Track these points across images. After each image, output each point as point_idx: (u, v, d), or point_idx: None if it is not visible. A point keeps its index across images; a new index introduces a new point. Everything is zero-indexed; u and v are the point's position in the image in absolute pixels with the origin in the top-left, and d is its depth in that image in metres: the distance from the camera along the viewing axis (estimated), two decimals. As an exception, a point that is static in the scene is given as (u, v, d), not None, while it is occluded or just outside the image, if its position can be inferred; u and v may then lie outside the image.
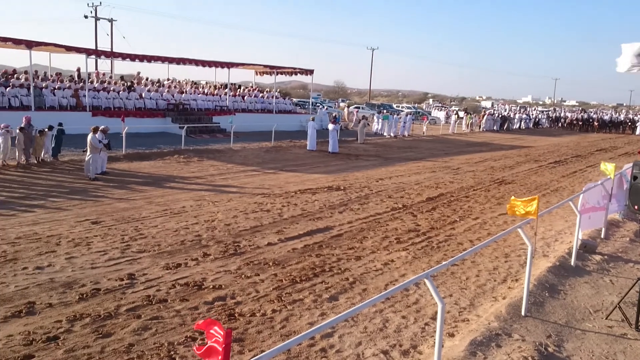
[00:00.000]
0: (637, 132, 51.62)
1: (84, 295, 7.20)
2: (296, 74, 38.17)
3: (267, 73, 37.75)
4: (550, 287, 8.06)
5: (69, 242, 9.45)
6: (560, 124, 59.83)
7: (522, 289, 7.48)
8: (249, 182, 16.42)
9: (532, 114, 64.66)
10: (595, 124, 56.23)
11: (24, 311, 6.61)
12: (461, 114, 55.14)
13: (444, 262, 5.64)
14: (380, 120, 37.34)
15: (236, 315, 6.84)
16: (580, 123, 58.09)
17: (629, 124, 56.35)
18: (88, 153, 15.55)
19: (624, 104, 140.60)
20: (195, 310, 6.93)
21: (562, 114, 64.76)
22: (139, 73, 33.73)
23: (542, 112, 72.42)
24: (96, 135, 15.60)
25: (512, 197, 7.19)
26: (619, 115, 66.30)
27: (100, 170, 15.93)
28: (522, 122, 55.87)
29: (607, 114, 66.23)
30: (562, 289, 8.05)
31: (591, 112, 68.46)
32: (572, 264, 9.16)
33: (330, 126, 25.63)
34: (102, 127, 16.47)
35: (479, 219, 12.99)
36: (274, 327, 6.58)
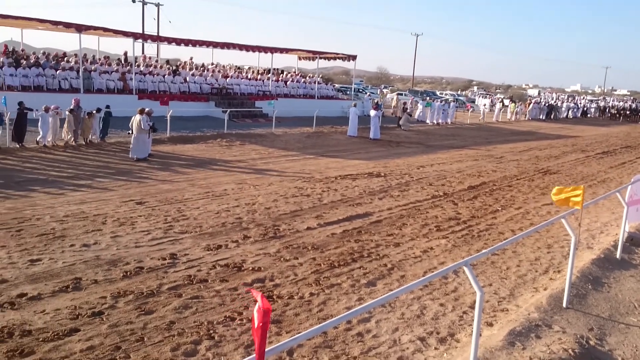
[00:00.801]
0: None
1: (128, 273, 7.41)
2: (339, 60, 37.96)
3: (309, 58, 37.69)
4: (594, 279, 7.88)
5: (114, 222, 9.72)
6: (607, 114, 57.67)
7: (564, 281, 7.34)
8: (290, 166, 16.52)
9: (580, 103, 62.72)
10: None
11: (70, 286, 6.85)
12: (506, 102, 53.99)
13: (484, 250, 5.57)
14: (423, 107, 36.90)
15: (274, 297, 6.93)
16: (628, 113, 55.93)
17: None
18: (134, 134, 15.90)
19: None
20: (235, 291, 7.04)
21: (610, 104, 62.23)
22: (191, 58, 34.15)
23: (591, 101, 70.27)
24: (144, 116, 15.96)
25: (557, 187, 7.03)
26: None
27: (147, 153, 16.25)
28: (570, 111, 54.36)
29: None
30: (607, 282, 7.86)
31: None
32: (618, 256, 8.93)
33: (372, 112, 25.47)
34: (147, 109, 16.79)
35: (521, 209, 12.76)
36: (311, 310, 6.64)
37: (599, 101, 68.65)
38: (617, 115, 55.83)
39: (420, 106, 37.31)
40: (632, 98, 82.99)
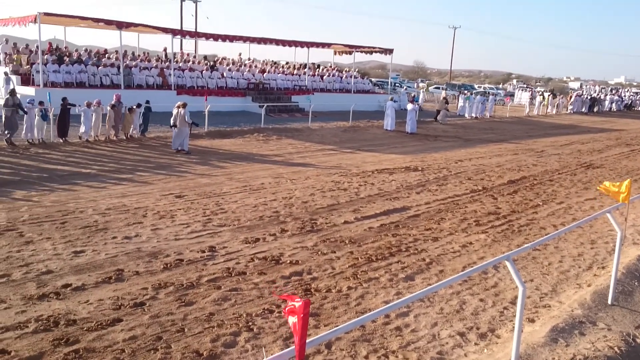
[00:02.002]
0: None
1: (168, 265, 7.52)
2: (375, 54, 37.74)
3: (346, 52, 37.62)
4: (640, 276, 7.65)
5: (154, 215, 9.88)
6: None
7: (609, 277, 7.15)
8: (326, 160, 16.52)
9: (624, 95, 60.79)
10: None
11: (113, 278, 7.00)
12: (546, 95, 52.82)
13: (525, 245, 5.46)
14: (464, 101, 36.34)
15: (312, 290, 6.94)
16: None
17: None
18: (178, 126, 16.25)
19: None
20: (273, 283, 7.08)
21: None
22: (240, 54, 34.47)
23: (637, 93, 68.07)
24: (187, 110, 16.29)
25: (604, 183, 6.84)
26: None
27: (187, 146, 16.52)
28: (614, 104, 52.86)
29: None
30: (654, 279, 7.62)
31: None
32: (666, 253, 8.65)
33: (409, 106, 25.22)
34: (181, 103, 17.03)
35: (563, 204, 12.47)
36: (349, 303, 6.63)
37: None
38: None
39: (461, 100, 36.60)
40: None
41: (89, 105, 16.83)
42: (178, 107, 16.44)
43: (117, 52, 27.61)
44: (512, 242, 9.47)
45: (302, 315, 2.90)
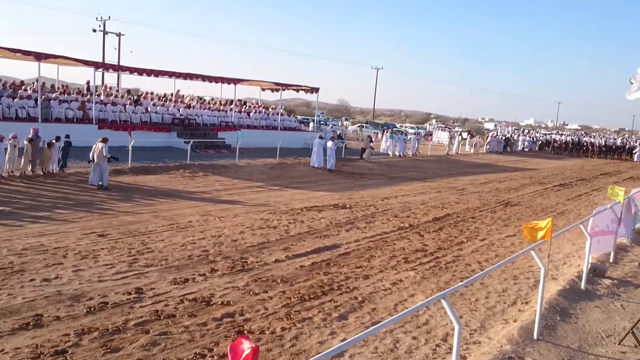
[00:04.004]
0: (636, 159, 50.19)
1: (92, 308, 7.13)
2: (302, 92, 38.29)
3: (273, 89, 37.90)
4: (562, 310, 7.99)
5: (75, 255, 9.40)
6: (550, 148, 57.88)
7: (533, 312, 7.42)
8: (255, 198, 16.39)
9: (536, 137, 64.08)
10: (590, 148, 54.74)
11: (31, 324, 6.55)
12: (465, 135, 55.19)
13: (460, 283, 5.58)
14: (388, 139, 37.21)
15: (245, 332, 6.77)
16: (571, 147, 56.01)
17: (627, 150, 53.91)
18: (95, 160, 15.83)
19: (626, 129, 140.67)
20: (204, 326, 6.85)
21: (552, 137, 62.61)
22: (178, 91, 33.84)
23: (546, 134, 72.07)
24: (105, 145, 15.87)
25: (526, 224, 7.14)
26: (616, 140, 64.36)
27: (106, 181, 15.99)
28: (526, 144, 55.85)
29: (604, 139, 64.60)
30: (574, 313, 7.98)
31: (583, 137, 66.02)
32: (583, 287, 9.09)
33: (330, 143, 25.43)
34: (102, 138, 16.58)
35: (486, 240, 12.93)
36: (283, 345, 6.50)
37: (549, 135, 69.65)
38: (562, 149, 56.29)
39: (389, 140, 37.15)
40: (567, 132, 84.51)
41: (1, 139, 15.96)
42: (101, 141, 15.98)
43: (34, 83, 26.52)
44: (440, 278, 9.67)
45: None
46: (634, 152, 51.78)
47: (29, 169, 16.71)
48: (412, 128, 66.05)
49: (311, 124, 42.54)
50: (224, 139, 30.40)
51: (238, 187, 18.17)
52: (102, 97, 28.93)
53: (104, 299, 7.51)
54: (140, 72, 30.03)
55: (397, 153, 35.59)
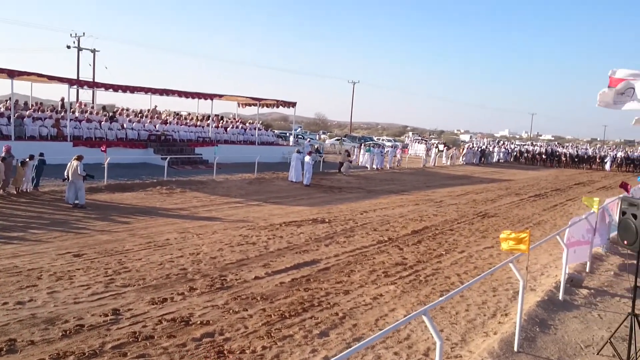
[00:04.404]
0: (607, 168, 51.18)
1: (68, 331, 6.98)
2: (279, 106, 38.34)
3: (250, 104, 37.86)
4: (541, 322, 8.04)
5: (50, 276, 9.21)
6: (523, 159, 57.98)
7: (512, 324, 7.46)
8: (233, 214, 16.28)
9: (511, 148, 64.91)
10: (563, 158, 55.47)
11: (4, 349, 6.38)
12: (441, 147, 55.72)
13: (440, 298, 5.59)
14: (366, 153, 37.35)
15: (225, 352, 6.68)
16: (544, 157, 56.49)
17: (598, 160, 54.41)
18: (70, 178, 15.66)
19: (598, 139, 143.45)
20: (183, 347, 6.75)
21: (524, 148, 63.32)
22: (155, 107, 33.53)
23: (520, 145, 73.05)
24: (80, 163, 15.70)
25: (503, 233, 7.19)
26: (588, 150, 65.51)
27: (83, 200, 15.77)
28: (501, 155, 56.55)
29: (576, 149, 65.73)
30: (552, 324, 8.04)
31: (556, 147, 67.02)
32: (560, 298, 9.18)
33: (307, 158, 25.41)
34: (77, 156, 16.42)
35: (464, 252, 13.00)
36: (264, 364, 6.43)
37: (524, 146, 70.50)
38: (535, 160, 56.89)
39: (366, 155, 37.20)
40: (539, 143, 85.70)
41: (-26, 158, 15.68)
42: (76, 159, 15.81)
43: (7, 101, 26.13)
44: (420, 292, 9.68)
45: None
46: (605, 161, 52.82)
47: (1, 188, 16.39)
48: (389, 141, 66.42)
49: (291, 138, 42.52)
50: (201, 154, 30.21)
51: (216, 203, 18.04)
52: (77, 114, 28.60)
53: (79, 321, 7.35)
54: (116, 88, 29.79)
55: (374, 166, 35.74)
